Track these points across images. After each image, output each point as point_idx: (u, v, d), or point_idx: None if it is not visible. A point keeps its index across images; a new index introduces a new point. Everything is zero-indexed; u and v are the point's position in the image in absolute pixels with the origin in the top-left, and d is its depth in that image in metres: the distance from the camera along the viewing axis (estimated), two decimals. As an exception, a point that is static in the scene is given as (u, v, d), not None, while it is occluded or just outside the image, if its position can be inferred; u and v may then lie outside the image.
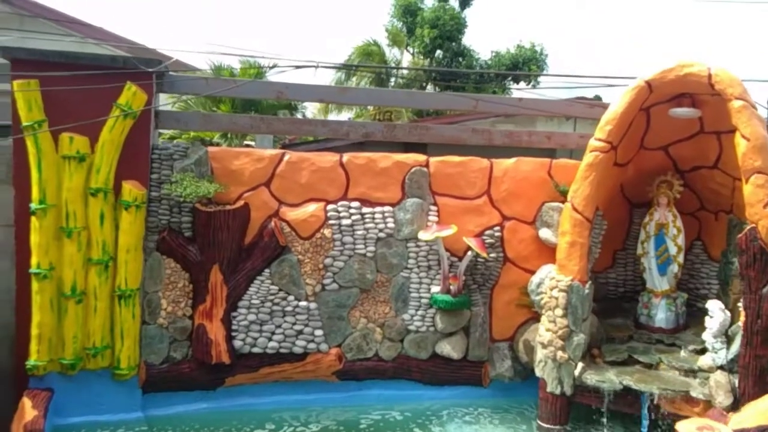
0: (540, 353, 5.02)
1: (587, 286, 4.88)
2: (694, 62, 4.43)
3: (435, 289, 5.35)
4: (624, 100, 4.71)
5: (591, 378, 4.76)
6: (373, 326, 5.38)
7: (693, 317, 5.35)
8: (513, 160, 5.58)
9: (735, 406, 4.28)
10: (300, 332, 5.21)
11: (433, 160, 5.48)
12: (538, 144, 5.78)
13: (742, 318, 4.35)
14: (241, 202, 5.08)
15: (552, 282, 4.94)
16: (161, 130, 6.53)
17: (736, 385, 4.33)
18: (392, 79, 17.49)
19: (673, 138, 5.28)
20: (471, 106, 5.75)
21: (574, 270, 4.86)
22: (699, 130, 5.10)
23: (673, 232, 5.21)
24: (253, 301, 5.13)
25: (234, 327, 5.09)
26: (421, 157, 5.48)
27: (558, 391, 4.89)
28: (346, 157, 5.36)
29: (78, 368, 4.71)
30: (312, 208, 5.23)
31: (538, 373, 5.05)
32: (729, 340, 4.60)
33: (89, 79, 4.59)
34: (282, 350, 5.17)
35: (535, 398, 5.13)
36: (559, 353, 4.85)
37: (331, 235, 5.23)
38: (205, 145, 5.36)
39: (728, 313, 4.63)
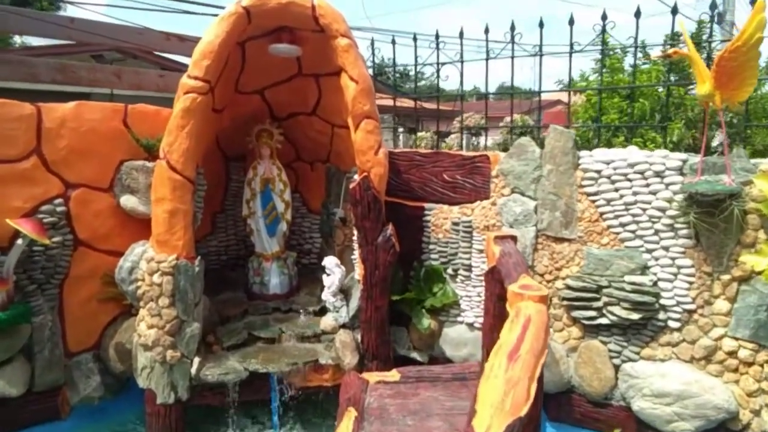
0: (143, 358, 3.85)
1: (197, 262, 3.91)
2: (297, -10, 3.83)
3: (-35, 303, 3.46)
4: (221, 28, 3.78)
5: (212, 373, 3.89)
6: None
7: (301, 276, 5.05)
8: (72, 104, 4.02)
9: (362, 363, 4.12)
10: None
11: (-68, 102, 3.44)
12: (106, 84, 4.33)
13: (359, 270, 4.17)
14: None
15: (151, 265, 3.78)
16: None
17: (360, 341, 4.18)
18: None
19: (270, 80, 4.66)
20: (-6, 22, 3.80)
21: (179, 245, 3.81)
22: (297, 72, 4.61)
23: (280, 187, 4.70)
24: None
25: None
26: None
27: (172, 400, 3.86)
28: None
29: None
30: None
31: (142, 383, 3.89)
32: (346, 296, 4.43)
33: None
34: None
35: (139, 412, 3.98)
36: (170, 353, 3.81)
37: None
38: None
39: (344, 268, 4.43)
